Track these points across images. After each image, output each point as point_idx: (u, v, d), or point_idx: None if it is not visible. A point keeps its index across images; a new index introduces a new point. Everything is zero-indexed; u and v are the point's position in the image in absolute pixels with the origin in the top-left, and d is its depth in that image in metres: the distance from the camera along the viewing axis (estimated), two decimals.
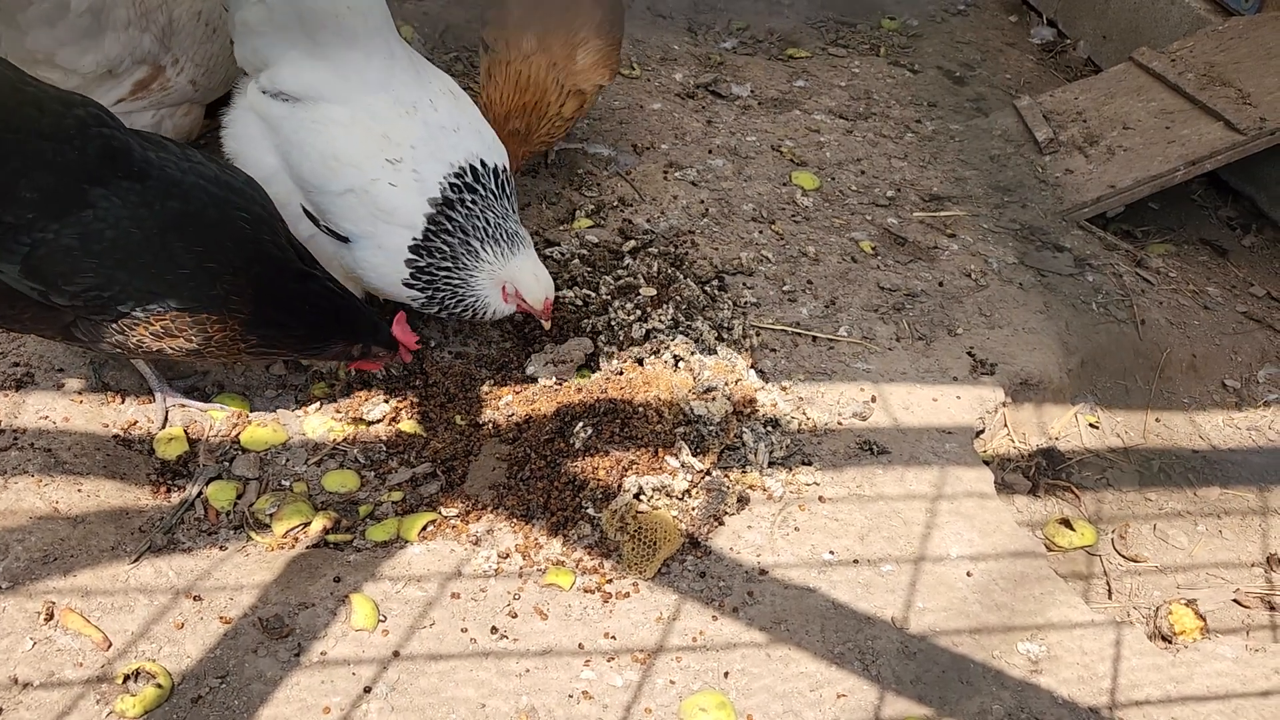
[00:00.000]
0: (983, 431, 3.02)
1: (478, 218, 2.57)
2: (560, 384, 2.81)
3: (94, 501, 2.35)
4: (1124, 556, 2.97)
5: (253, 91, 2.64)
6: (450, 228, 2.56)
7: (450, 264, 2.59)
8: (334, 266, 2.73)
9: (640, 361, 2.85)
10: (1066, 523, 2.96)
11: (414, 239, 2.55)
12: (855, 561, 2.48)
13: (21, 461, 2.38)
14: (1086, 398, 3.32)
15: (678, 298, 3.10)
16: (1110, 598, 2.85)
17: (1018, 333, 3.27)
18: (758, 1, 5.14)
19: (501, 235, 2.60)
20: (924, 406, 2.96)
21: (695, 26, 4.87)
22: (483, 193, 2.57)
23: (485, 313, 2.71)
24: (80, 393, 2.59)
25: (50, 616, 2.10)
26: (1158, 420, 3.38)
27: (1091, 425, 3.29)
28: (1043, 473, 3.11)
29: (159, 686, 2.00)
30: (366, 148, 2.52)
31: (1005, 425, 3.12)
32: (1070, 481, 3.13)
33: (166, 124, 2.97)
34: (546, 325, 2.80)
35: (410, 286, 2.62)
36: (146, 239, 2.13)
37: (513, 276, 2.64)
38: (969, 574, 2.49)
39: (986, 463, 2.93)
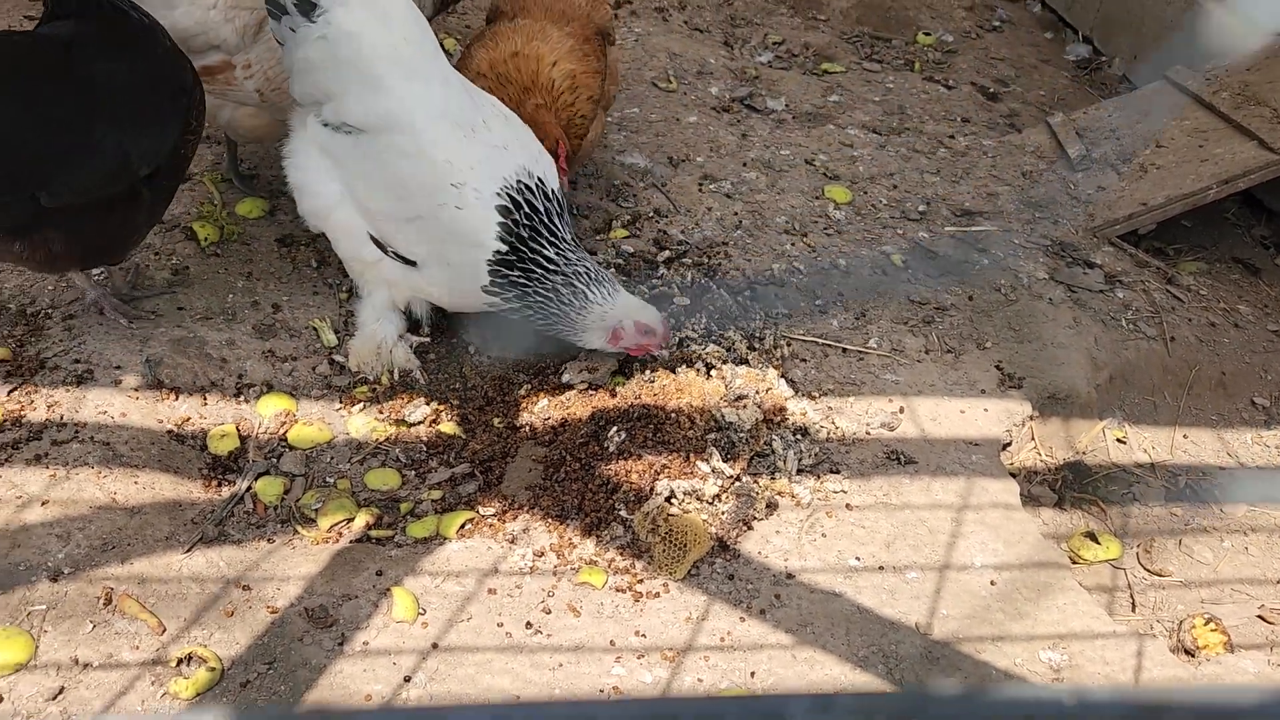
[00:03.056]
0: (1009, 444, 3.07)
1: (564, 259, 2.67)
2: (595, 389, 2.89)
3: (150, 493, 2.46)
4: (1148, 570, 3.00)
5: (313, 124, 2.74)
6: (526, 254, 2.64)
7: (549, 287, 2.68)
8: (400, 289, 2.82)
9: (673, 369, 2.93)
10: (1091, 536, 3.00)
11: (496, 252, 2.63)
12: (881, 568, 2.54)
13: (83, 454, 2.50)
14: (1114, 413, 3.35)
15: (710, 307, 3.18)
16: (1134, 611, 2.88)
17: (1046, 347, 3.31)
18: (794, 16, 5.21)
19: (600, 276, 2.70)
20: (951, 418, 3.01)
21: (731, 40, 4.95)
22: (541, 212, 2.65)
23: (573, 337, 2.79)
24: (136, 390, 2.70)
25: (109, 601, 2.21)
26: (1185, 437, 3.40)
27: (1119, 440, 3.32)
28: (1069, 486, 3.15)
29: (210, 670, 2.10)
30: (432, 175, 2.62)
31: (1032, 438, 3.16)
32: (1096, 495, 3.16)
33: (226, 115, 3.10)
34: (666, 353, 2.86)
35: (491, 293, 2.69)
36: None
37: (625, 313, 2.72)
38: (993, 583, 2.54)
39: (1013, 475, 2.97)
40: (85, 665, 2.09)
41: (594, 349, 2.83)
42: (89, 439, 2.54)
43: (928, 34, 5.23)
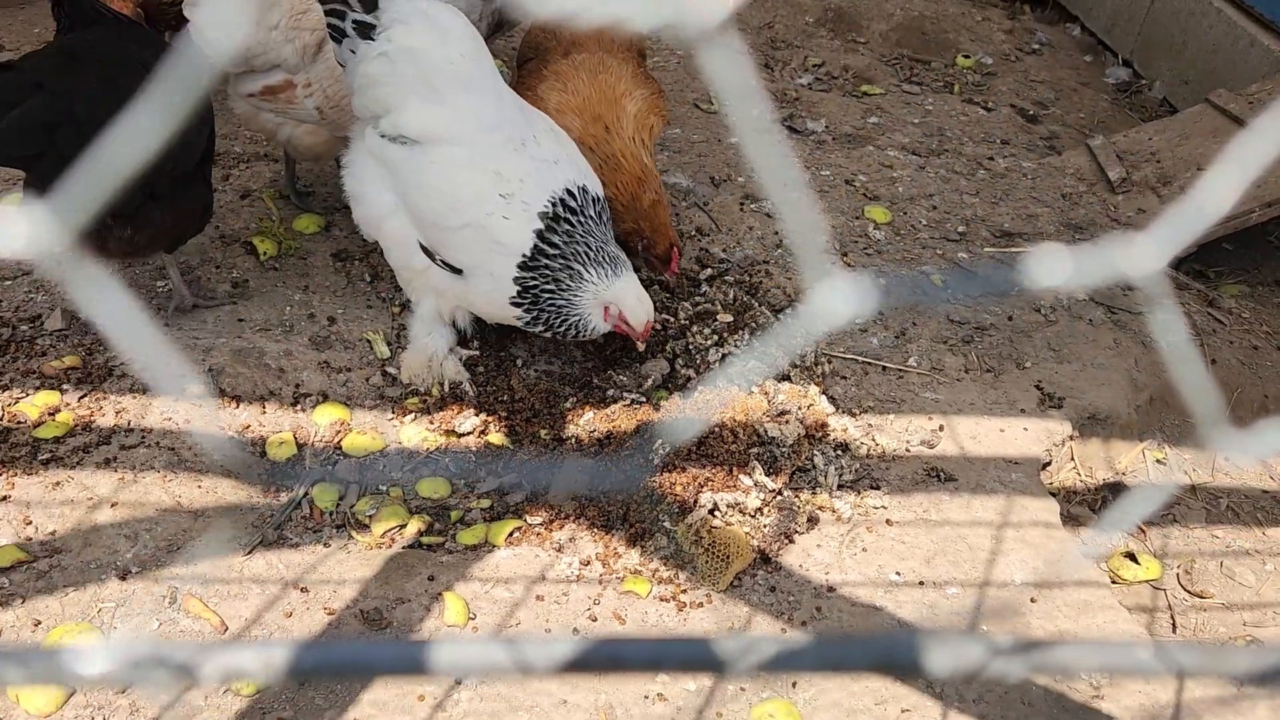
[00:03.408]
0: (1049, 464, 3.09)
1: (578, 241, 2.73)
2: (639, 403, 2.95)
3: (212, 497, 2.56)
4: (1189, 592, 3.00)
5: (371, 136, 2.84)
6: (551, 251, 2.71)
7: (553, 286, 2.74)
8: (446, 298, 2.91)
9: (715, 384, 2.99)
10: (1131, 556, 3.01)
11: (521, 257, 2.71)
12: (921, 583, 2.57)
13: (149, 458, 2.60)
14: (1155, 434, 3.37)
15: (753, 324, 3.24)
16: (1174, 631, 2.89)
17: (1086, 368, 3.34)
18: (834, 39, 5.27)
19: (604, 258, 2.75)
20: (991, 437, 3.04)
21: (772, 63, 5.02)
22: (581, 217, 2.73)
23: (586, 330, 2.84)
24: (199, 398, 2.80)
25: (174, 600, 2.30)
26: (1227, 459, 3.40)
27: (1159, 461, 3.33)
28: (1108, 506, 3.16)
29: None
30: (482, 185, 2.71)
31: (1072, 458, 3.18)
32: None
33: (286, 132, 3.21)
34: (641, 348, 2.93)
35: (517, 305, 2.79)
36: None
37: (616, 298, 2.77)
38: (1032, 600, 2.57)
39: (1052, 494, 3.00)
40: None
41: (604, 332, 2.87)
42: (155, 444, 2.64)
43: (967, 56, 5.27)
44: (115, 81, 2.52)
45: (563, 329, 2.82)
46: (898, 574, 2.59)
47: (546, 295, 2.75)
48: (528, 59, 3.54)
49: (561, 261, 2.71)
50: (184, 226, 2.85)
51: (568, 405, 2.99)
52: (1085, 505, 3.16)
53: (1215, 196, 0.64)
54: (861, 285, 0.62)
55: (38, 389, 2.74)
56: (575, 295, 2.76)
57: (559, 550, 2.56)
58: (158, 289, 3.11)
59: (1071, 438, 3.15)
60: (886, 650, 0.60)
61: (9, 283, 3.08)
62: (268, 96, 3.09)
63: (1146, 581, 2.99)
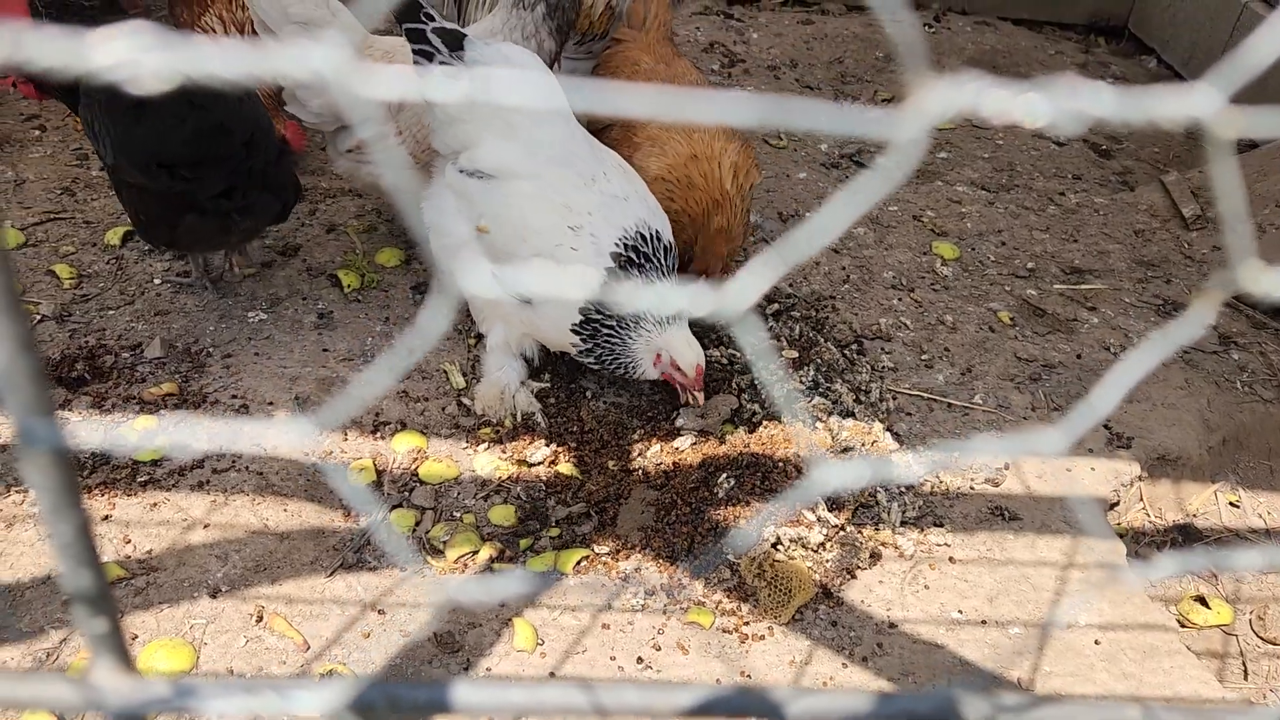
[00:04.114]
0: (1117, 504, 3.07)
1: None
2: (705, 437, 3.02)
3: (297, 520, 2.69)
4: (1262, 638, 2.95)
5: (450, 171, 2.99)
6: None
7: (614, 323, 2.84)
8: (514, 324, 3.03)
9: (779, 419, 3.04)
10: (1202, 600, 2.97)
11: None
12: (983, 622, 2.59)
13: (239, 482, 2.74)
14: (1227, 476, 3.32)
15: (818, 360, 3.29)
16: (1246, 679, 2.84)
17: (1156, 407, 3.31)
18: (903, 74, 5.31)
19: None
20: (1057, 476, 3.04)
21: (840, 98, 5.08)
22: (651, 263, 2.83)
23: (636, 372, 2.95)
24: (286, 425, 2.95)
25: (260, 619, 2.43)
26: None
27: (1232, 504, 3.28)
28: (1178, 549, 3.13)
29: None
30: (551, 217, 2.83)
31: (1140, 499, 3.16)
32: None
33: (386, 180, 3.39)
34: (699, 397, 2.96)
35: (576, 333, 2.89)
36: None
37: (667, 344, 2.87)
38: (1097, 642, 2.56)
39: (1120, 535, 2.98)
40: (239, 676, 2.31)
41: (651, 379, 2.96)
42: (245, 469, 2.79)
43: None
44: (227, 93, 2.77)
45: (612, 366, 2.92)
46: (960, 612, 2.61)
47: (605, 331, 2.85)
48: (606, 126, 3.56)
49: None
50: (286, 199, 3.12)
51: (635, 438, 3.07)
52: (1154, 547, 3.13)
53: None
54: (845, 471, 0.71)
55: (138, 414, 2.91)
56: (630, 335, 2.85)
57: (625, 580, 2.64)
58: (249, 319, 3.28)
59: (1140, 478, 3.13)
60: (893, 706, 0.66)
61: (112, 312, 3.27)
62: (364, 150, 3.26)
63: (1217, 626, 2.95)
